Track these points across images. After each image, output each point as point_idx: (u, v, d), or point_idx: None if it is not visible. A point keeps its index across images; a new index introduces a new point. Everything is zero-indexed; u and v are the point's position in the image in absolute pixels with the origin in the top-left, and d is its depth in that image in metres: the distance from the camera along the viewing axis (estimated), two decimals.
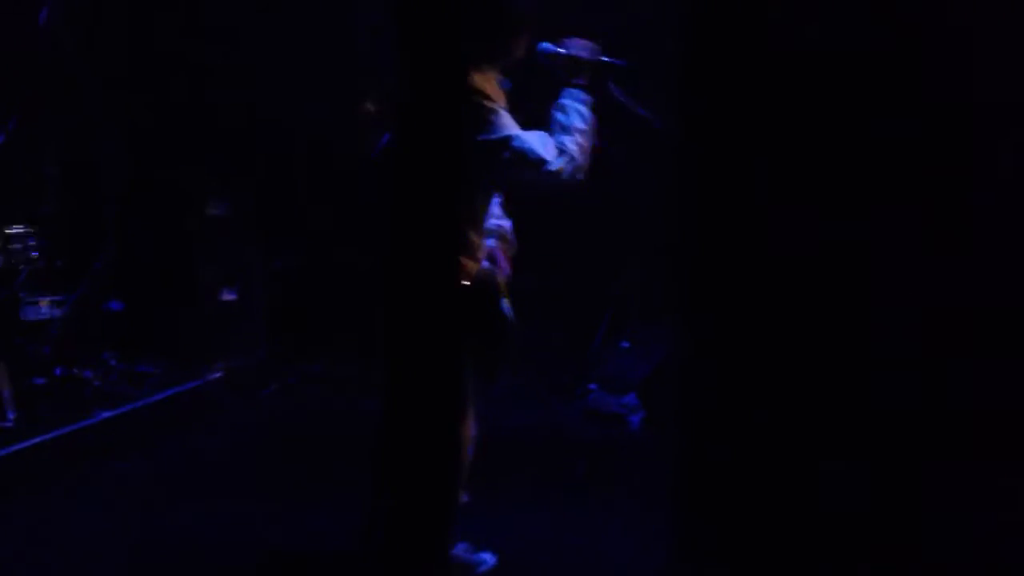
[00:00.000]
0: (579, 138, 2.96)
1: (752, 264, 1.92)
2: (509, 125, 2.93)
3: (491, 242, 3.17)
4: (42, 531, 3.75)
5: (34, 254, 5.02)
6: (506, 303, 3.00)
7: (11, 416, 4.44)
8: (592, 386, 6.19)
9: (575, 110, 3.00)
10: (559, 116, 3.01)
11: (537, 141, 2.93)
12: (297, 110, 7.32)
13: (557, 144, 2.94)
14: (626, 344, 6.47)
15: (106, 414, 4.85)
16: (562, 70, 3.07)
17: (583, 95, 3.03)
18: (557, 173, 2.91)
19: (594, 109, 3.05)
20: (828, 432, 1.84)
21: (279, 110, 7.27)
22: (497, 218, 3.23)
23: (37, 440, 4.29)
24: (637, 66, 3.18)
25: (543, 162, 2.90)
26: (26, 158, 5.27)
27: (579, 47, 3.09)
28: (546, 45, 3.13)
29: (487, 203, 3.10)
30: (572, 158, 2.93)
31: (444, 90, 2.38)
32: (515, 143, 2.89)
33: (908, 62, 1.76)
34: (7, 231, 4.95)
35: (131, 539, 3.66)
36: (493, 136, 2.87)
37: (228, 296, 6.47)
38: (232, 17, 7.01)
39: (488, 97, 2.93)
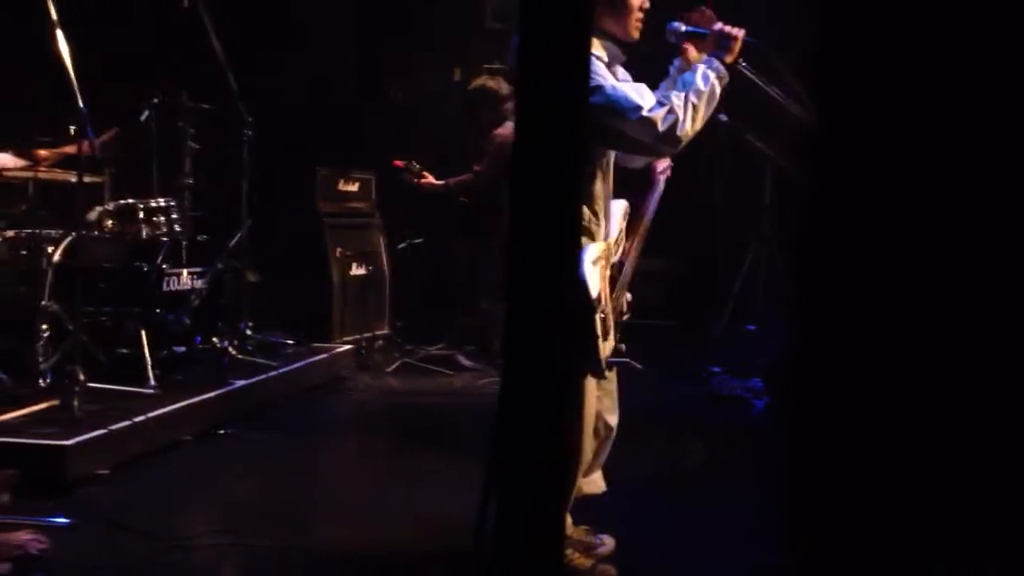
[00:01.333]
0: (692, 96, 2.83)
1: (878, 257, 1.86)
2: (604, 76, 2.83)
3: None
4: (178, 491, 3.93)
5: (176, 227, 5.20)
6: (592, 283, 2.80)
7: (153, 383, 4.64)
8: (716, 368, 6.13)
9: (704, 74, 2.87)
10: (686, 75, 2.91)
11: (632, 90, 2.83)
12: (420, 89, 7.44)
13: (660, 96, 2.84)
14: (752, 327, 6.38)
15: (241, 382, 5.03)
16: (706, 48, 2.94)
17: (721, 67, 2.90)
18: (652, 122, 2.77)
19: (727, 88, 2.91)
20: (949, 430, 1.78)
21: (404, 91, 7.39)
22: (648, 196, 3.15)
23: (177, 406, 4.47)
24: (768, 46, 3.04)
25: (637, 107, 2.77)
26: (169, 134, 5.48)
27: (723, 26, 2.95)
28: (677, 24, 3.02)
29: (605, 172, 3.00)
30: (672, 110, 2.79)
31: (564, 51, 2.29)
32: (608, 90, 2.78)
33: None
34: (151, 204, 5.15)
35: (257, 503, 3.79)
36: None
37: (358, 271, 6.64)
38: (366, 11, 7.17)
39: None
